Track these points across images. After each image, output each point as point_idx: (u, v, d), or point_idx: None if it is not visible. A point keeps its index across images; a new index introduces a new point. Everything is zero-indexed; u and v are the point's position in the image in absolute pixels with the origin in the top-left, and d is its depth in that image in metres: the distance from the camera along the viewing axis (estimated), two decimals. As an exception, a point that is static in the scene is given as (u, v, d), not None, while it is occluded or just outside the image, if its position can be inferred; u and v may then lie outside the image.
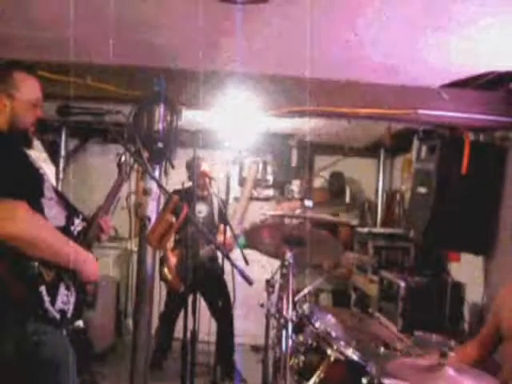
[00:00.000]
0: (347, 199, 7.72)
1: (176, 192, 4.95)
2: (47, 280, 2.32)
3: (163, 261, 5.03)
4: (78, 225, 2.62)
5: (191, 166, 5.22)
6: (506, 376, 2.86)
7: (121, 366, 5.06)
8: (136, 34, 3.54)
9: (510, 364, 2.90)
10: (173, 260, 4.93)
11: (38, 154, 2.74)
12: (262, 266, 4.14)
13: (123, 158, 3.12)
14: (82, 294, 2.56)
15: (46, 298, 2.31)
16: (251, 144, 6.99)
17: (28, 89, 2.53)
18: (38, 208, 2.33)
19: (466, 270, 4.87)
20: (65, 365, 2.40)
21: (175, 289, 4.93)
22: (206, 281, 4.43)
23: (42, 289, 2.30)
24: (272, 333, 3.56)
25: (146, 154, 3.34)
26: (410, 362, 2.89)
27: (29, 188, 2.32)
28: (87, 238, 2.68)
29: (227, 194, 7.41)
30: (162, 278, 5.06)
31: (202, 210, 5.32)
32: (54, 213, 2.46)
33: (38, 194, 2.38)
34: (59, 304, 2.37)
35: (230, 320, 5.31)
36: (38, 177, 2.43)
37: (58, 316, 2.35)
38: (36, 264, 2.28)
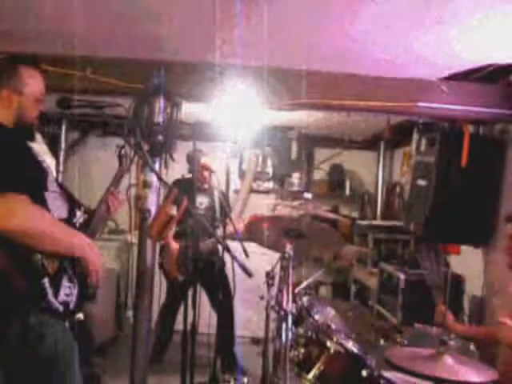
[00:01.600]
0: (347, 192, 7.74)
1: (177, 182, 4.97)
2: (50, 272, 2.33)
3: (164, 248, 5.03)
4: (79, 217, 2.63)
5: (192, 159, 5.21)
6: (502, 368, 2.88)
7: (121, 359, 5.08)
8: (136, 27, 3.54)
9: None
10: (175, 245, 4.90)
11: (39, 147, 2.74)
12: (261, 259, 4.14)
13: (123, 151, 3.13)
14: (84, 287, 2.57)
15: (49, 290, 2.32)
16: (251, 137, 6.99)
17: (34, 84, 2.54)
18: (41, 201, 2.34)
19: (466, 262, 4.87)
20: (67, 356, 2.42)
21: (173, 278, 4.93)
22: (206, 273, 4.43)
23: (45, 281, 2.31)
24: (272, 325, 3.57)
25: (145, 147, 3.34)
26: (410, 351, 2.91)
27: (32, 181, 2.33)
28: (89, 231, 2.69)
29: (227, 186, 7.44)
30: (161, 265, 5.06)
31: (203, 201, 5.32)
32: (57, 205, 2.47)
33: (41, 187, 2.39)
34: (62, 296, 2.38)
35: (230, 312, 5.32)
36: (41, 170, 2.44)
37: (60, 308, 2.36)
38: (39, 256, 2.29)
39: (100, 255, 2.57)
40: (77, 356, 2.47)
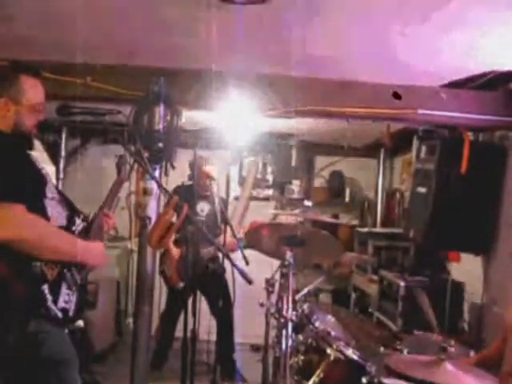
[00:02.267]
0: (347, 199, 7.72)
1: (177, 189, 4.96)
2: (49, 279, 2.34)
3: (164, 254, 5.02)
4: (78, 224, 2.63)
5: (193, 166, 5.22)
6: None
7: (121, 366, 5.07)
8: (136, 35, 3.55)
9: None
10: (176, 252, 4.90)
11: (38, 154, 2.75)
12: (261, 266, 4.14)
13: (122, 160, 3.14)
14: (84, 294, 2.57)
15: (49, 297, 2.32)
16: (251, 144, 6.98)
17: (33, 94, 2.53)
18: (40, 208, 2.35)
19: (466, 269, 4.87)
20: (67, 363, 2.42)
21: (173, 284, 4.92)
22: (206, 280, 4.44)
23: (45, 287, 2.31)
24: (272, 332, 3.57)
25: (146, 154, 3.35)
26: (410, 357, 2.90)
27: (30, 189, 2.33)
28: (88, 238, 2.69)
29: (227, 193, 7.43)
30: (161, 272, 5.05)
31: (203, 208, 5.33)
32: (56, 212, 2.47)
33: (39, 194, 2.39)
34: (61, 303, 2.38)
35: (230, 319, 5.32)
36: (40, 177, 2.44)
37: (60, 314, 2.37)
38: (38, 263, 2.29)
39: (100, 250, 2.60)
40: (76, 363, 2.47)
